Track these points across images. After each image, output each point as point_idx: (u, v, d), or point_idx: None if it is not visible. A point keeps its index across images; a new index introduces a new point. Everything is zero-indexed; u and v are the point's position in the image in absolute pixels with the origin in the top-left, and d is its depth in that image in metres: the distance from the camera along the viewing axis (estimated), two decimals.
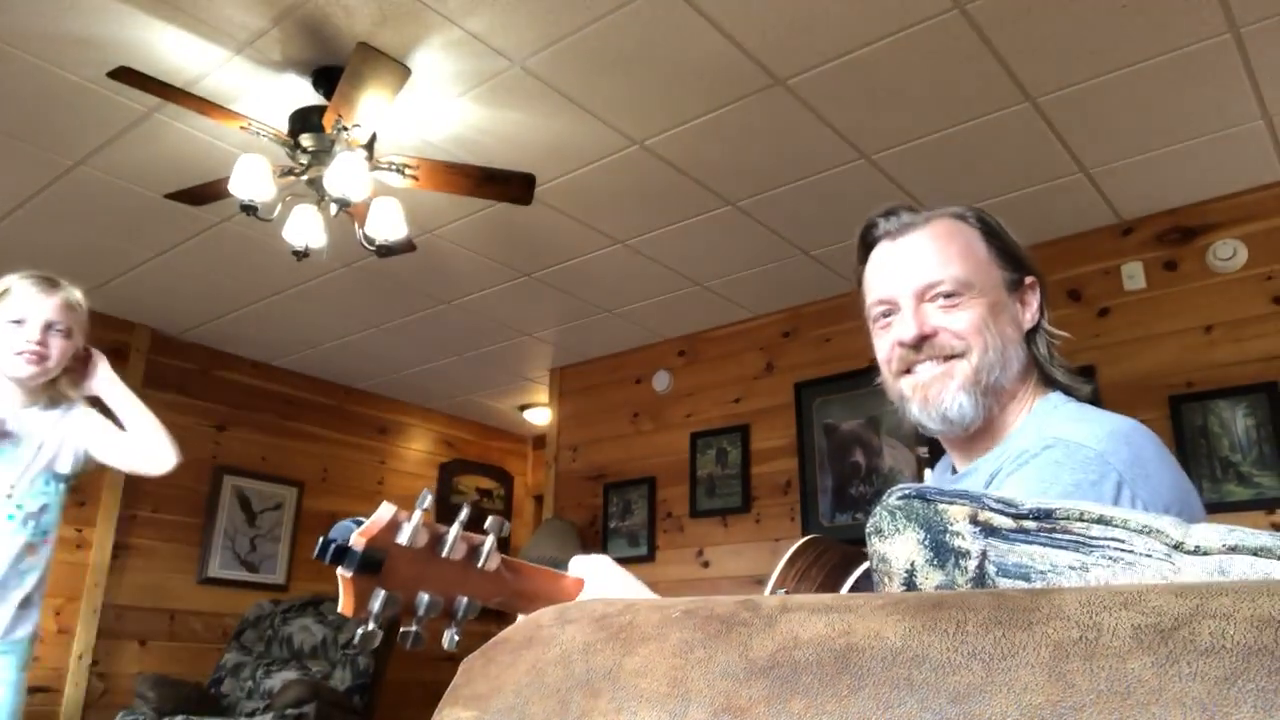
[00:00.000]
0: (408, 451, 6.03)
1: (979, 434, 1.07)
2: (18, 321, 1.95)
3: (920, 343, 1.05)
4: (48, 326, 1.96)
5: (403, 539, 0.72)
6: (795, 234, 3.71)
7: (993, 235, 1.11)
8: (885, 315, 1.10)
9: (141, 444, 2.07)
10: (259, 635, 4.51)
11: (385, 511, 0.73)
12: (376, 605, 0.70)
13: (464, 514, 0.76)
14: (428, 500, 0.74)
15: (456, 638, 0.76)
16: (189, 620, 4.73)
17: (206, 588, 4.80)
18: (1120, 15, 2.44)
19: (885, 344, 1.10)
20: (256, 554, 5.05)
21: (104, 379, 2.08)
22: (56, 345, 1.97)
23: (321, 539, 0.70)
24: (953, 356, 1.05)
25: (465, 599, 0.76)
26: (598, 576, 0.92)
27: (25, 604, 1.96)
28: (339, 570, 0.70)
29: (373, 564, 0.70)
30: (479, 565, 0.77)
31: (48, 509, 1.99)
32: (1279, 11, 2.42)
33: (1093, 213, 3.49)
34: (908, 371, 1.08)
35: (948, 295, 1.05)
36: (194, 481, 4.83)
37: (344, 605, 0.71)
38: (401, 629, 0.74)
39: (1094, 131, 2.98)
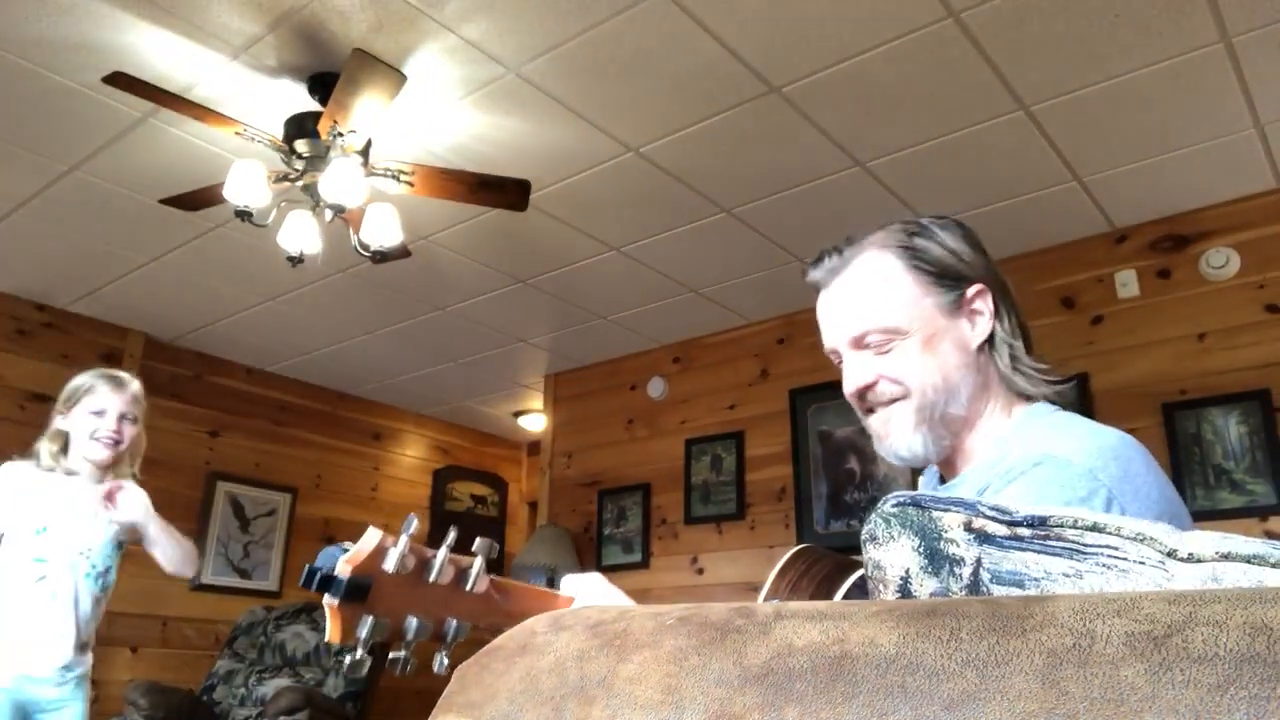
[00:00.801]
0: (402, 458, 6.02)
1: (952, 457, 1.08)
2: (98, 413, 2.32)
3: (864, 393, 1.07)
4: (121, 416, 2.35)
5: (389, 565, 0.72)
6: (790, 241, 3.72)
7: (920, 261, 1.06)
8: (838, 362, 1.13)
9: (170, 558, 2.40)
10: (251, 642, 4.49)
11: (371, 538, 0.72)
12: (364, 632, 0.70)
13: (451, 537, 0.76)
14: (414, 525, 0.73)
15: (446, 661, 0.75)
16: (181, 627, 4.71)
17: (199, 594, 4.78)
18: (1113, 25, 2.46)
19: (845, 388, 1.12)
20: (249, 560, 5.03)
21: (138, 508, 2.33)
22: (128, 431, 2.36)
23: (308, 567, 0.69)
24: (895, 400, 1.06)
25: (455, 621, 0.76)
26: (589, 594, 0.91)
27: (86, 647, 2.34)
28: (325, 598, 0.69)
29: (359, 591, 0.70)
30: (467, 588, 0.77)
31: (110, 570, 2.38)
32: (1270, 21, 2.44)
33: (1086, 220, 3.51)
34: (870, 410, 1.10)
35: (877, 342, 1.06)
36: (187, 487, 4.82)
37: (331, 633, 0.70)
38: (391, 654, 0.73)
39: (1087, 140, 2.99)
